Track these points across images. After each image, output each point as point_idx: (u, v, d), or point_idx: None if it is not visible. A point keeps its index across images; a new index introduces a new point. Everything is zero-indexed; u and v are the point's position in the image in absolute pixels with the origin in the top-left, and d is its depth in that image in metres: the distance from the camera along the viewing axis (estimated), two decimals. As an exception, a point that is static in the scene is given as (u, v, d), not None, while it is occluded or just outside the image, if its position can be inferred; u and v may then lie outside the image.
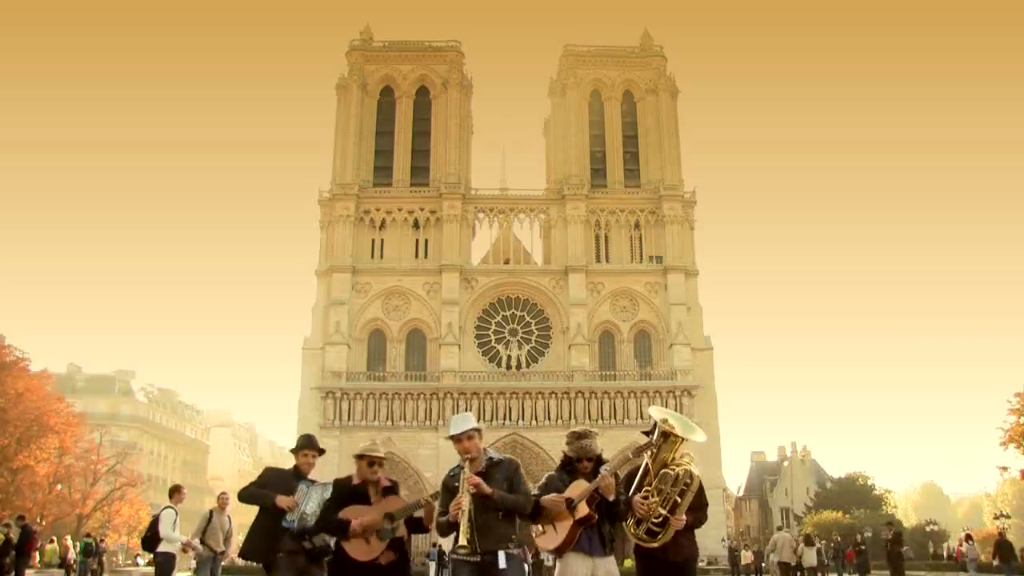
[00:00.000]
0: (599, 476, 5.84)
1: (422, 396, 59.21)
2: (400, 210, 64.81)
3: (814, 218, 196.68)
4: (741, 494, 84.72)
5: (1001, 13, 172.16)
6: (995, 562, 29.24)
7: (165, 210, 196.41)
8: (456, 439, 6.01)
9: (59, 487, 53.92)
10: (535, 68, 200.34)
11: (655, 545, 6.20)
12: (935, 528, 59.52)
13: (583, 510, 5.93)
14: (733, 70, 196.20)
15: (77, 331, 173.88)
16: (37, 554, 33.76)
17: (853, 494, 63.54)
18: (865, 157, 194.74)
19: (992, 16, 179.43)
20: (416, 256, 64.10)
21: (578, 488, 5.96)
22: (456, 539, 5.62)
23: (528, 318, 63.75)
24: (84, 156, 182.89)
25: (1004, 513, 54.55)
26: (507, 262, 65.71)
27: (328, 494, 7.26)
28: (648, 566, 6.43)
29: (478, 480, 5.72)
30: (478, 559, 5.60)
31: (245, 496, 7.70)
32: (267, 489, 7.63)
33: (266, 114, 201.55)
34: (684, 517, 6.25)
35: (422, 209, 64.86)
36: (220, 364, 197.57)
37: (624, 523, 6.27)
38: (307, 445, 7.93)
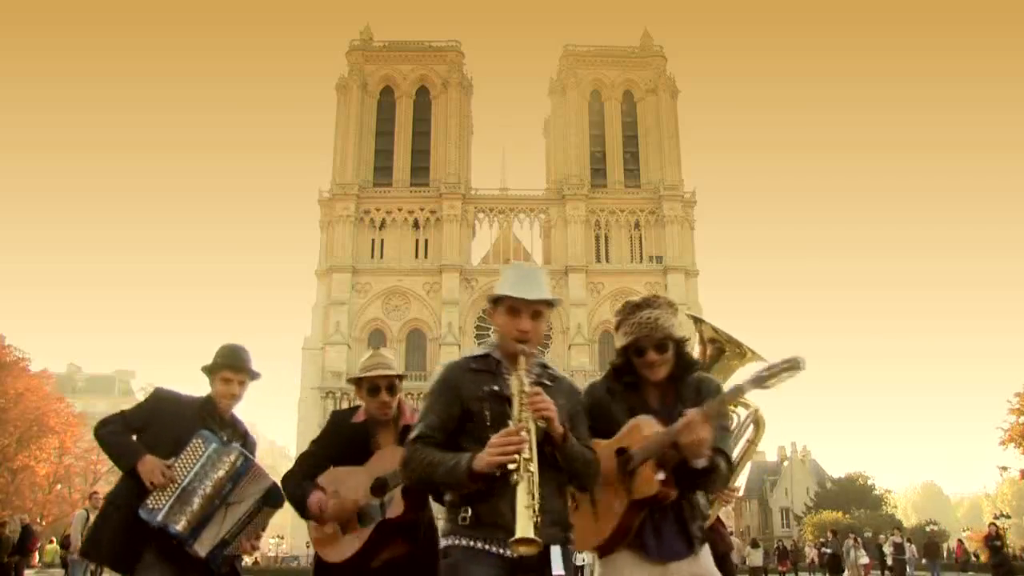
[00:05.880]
0: (684, 418, 2.89)
1: (422, 396, 59.07)
2: (400, 210, 64.86)
3: (814, 218, 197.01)
4: (740, 494, 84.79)
5: (1001, 13, 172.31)
6: (923, 560, 30.31)
7: (165, 210, 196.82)
8: (513, 308, 3.01)
9: (59, 487, 53.94)
10: (535, 68, 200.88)
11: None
12: (935, 528, 59.56)
13: (649, 480, 2.99)
14: (733, 70, 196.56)
15: (77, 331, 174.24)
16: (37, 554, 33.77)
17: (853, 494, 63.57)
18: (865, 157, 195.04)
19: (992, 16, 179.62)
20: (416, 256, 64.13)
21: (643, 430, 3.05)
22: (467, 512, 2.81)
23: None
24: (84, 156, 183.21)
25: (1004, 513, 54.50)
26: (507, 262, 65.62)
27: (243, 469, 4.05)
28: None
29: (550, 405, 2.80)
30: (512, 554, 2.65)
31: (102, 437, 4.19)
32: (147, 434, 4.22)
33: (266, 114, 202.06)
34: (739, 487, 4.20)
35: (422, 209, 64.90)
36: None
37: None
38: (226, 363, 4.37)
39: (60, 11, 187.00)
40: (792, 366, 2.89)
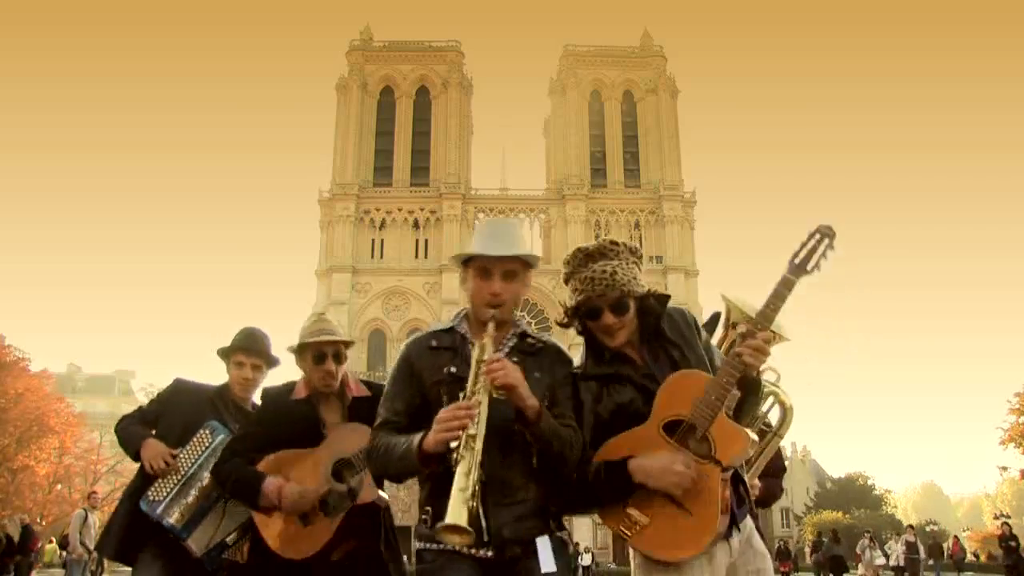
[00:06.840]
0: (754, 341, 2.51)
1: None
2: (400, 210, 64.90)
3: (814, 218, 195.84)
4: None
5: (1001, 13, 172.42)
6: (930, 561, 30.99)
7: (165, 210, 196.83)
8: (483, 268, 2.59)
9: (59, 487, 53.99)
10: (535, 68, 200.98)
11: None
12: (936, 528, 59.57)
13: (736, 434, 2.46)
14: (733, 70, 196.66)
15: (77, 331, 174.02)
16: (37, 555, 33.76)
17: (853, 494, 63.62)
18: (865, 157, 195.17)
19: (992, 16, 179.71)
20: (416, 256, 64.15)
21: (684, 387, 2.49)
22: (427, 513, 2.49)
23: (528, 318, 63.72)
24: (84, 156, 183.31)
25: (1004, 513, 54.52)
26: (507, 262, 65.71)
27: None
28: None
29: (515, 374, 2.37)
30: (488, 554, 2.42)
31: (117, 431, 4.11)
32: (161, 424, 4.07)
33: (266, 114, 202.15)
34: (757, 483, 3.53)
35: (422, 209, 64.93)
36: (220, 364, 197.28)
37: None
38: (240, 346, 4.24)
39: (60, 11, 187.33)
40: (821, 232, 2.69)
